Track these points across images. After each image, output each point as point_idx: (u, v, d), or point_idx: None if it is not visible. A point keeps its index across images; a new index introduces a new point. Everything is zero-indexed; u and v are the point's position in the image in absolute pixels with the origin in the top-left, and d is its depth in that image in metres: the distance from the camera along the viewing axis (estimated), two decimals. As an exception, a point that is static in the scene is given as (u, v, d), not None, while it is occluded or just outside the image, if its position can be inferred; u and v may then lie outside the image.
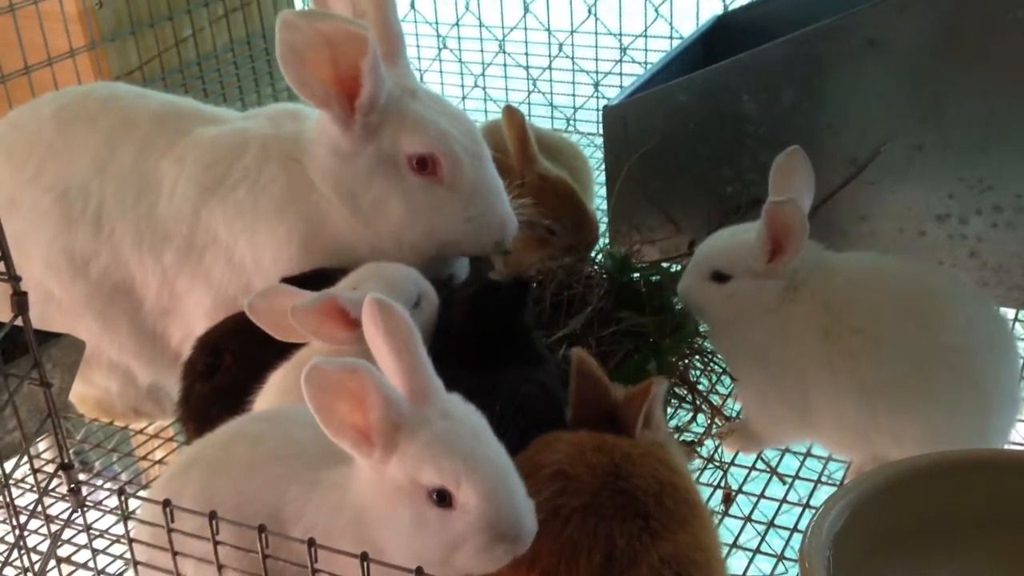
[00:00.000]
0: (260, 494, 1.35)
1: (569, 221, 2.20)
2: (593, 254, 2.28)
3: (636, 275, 2.10)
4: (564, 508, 1.26)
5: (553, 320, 1.95)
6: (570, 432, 1.40)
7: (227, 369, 1.73)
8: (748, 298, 1.78)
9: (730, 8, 2.83)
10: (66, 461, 1.42)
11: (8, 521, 1.56)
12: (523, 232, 2.03)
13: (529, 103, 3.35)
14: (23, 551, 1.56)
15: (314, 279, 1.73)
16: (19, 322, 1.39)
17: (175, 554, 1.37)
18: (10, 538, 1.59)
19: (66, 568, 1.68)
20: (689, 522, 1.30)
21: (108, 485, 1.97)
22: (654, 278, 2.08)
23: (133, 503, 1.46)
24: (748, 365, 1.83)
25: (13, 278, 1.31)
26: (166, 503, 1.32)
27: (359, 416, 1.20)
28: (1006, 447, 1.76)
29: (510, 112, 2.27)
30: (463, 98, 3.48)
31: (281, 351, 1.66)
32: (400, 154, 1.81)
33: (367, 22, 1.84)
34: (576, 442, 1.35)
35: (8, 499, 1.54)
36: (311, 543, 1.22)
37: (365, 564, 1.18)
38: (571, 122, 3.33)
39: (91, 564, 1.61)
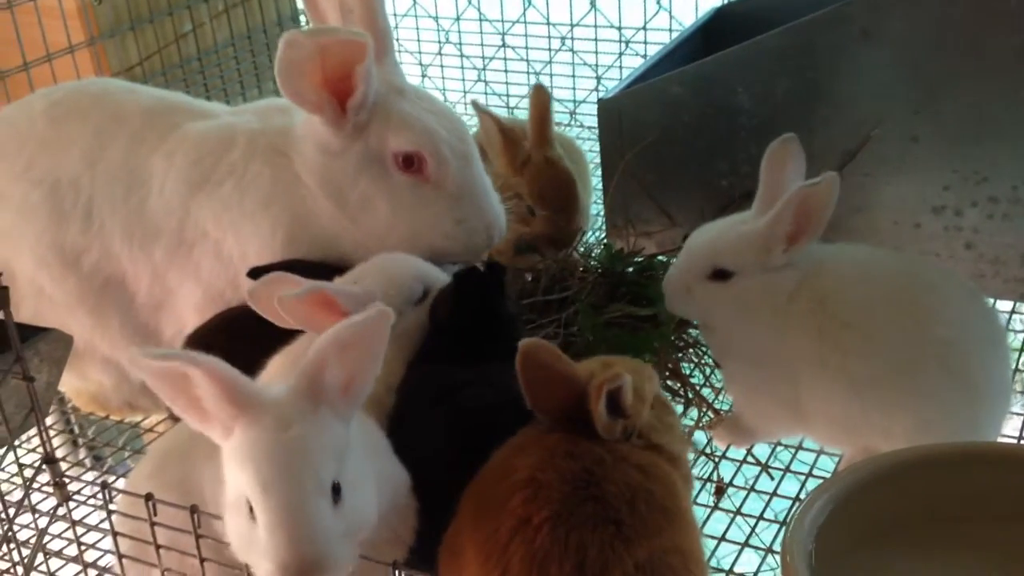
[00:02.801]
0: (196, 472, 1.40)
1: (556, 209, 2.19)
2: (588, 248, 2.29)
3: (630, 269, 2.10)
4: (535, 517, 1.24)
5: (545, 312, 1.96)
6: (544, 434, 1.37)
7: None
8: (754, 296, 1.70)
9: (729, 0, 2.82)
10: (50, 455, 1.43)
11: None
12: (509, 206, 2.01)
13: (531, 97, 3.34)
14: (12, 545, 1.57)
15: (287, 268, 1.73)
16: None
17: (158, 547, 1.39)
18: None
19: (57, 561, 1.70)
20: (664, 527, 1.28)
21: (92, 477, 1.97)
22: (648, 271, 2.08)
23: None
24: (741, 363, 1.79)
25: (-7, 272, 1.32)
26: (148, 496, 1.34)
27: (182, 395, 1.25)
28: (997, 440, 1.74)
29: (538, 90, 2.27)
30: (465, 92, 3.48)
31: (270, 347, 1.66)
32: (387, 152, 1.81)
33: (355, 20, 1.84)
34: (548, 447, 1.32)
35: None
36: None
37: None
38: (573, 116, 3.32)
39: (79, 557, 1.61)
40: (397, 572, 1.26)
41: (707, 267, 1.73)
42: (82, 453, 2.41)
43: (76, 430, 2.44)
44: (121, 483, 1.82)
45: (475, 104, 2.32)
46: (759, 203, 1.75)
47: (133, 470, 1.58)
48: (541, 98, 2.25)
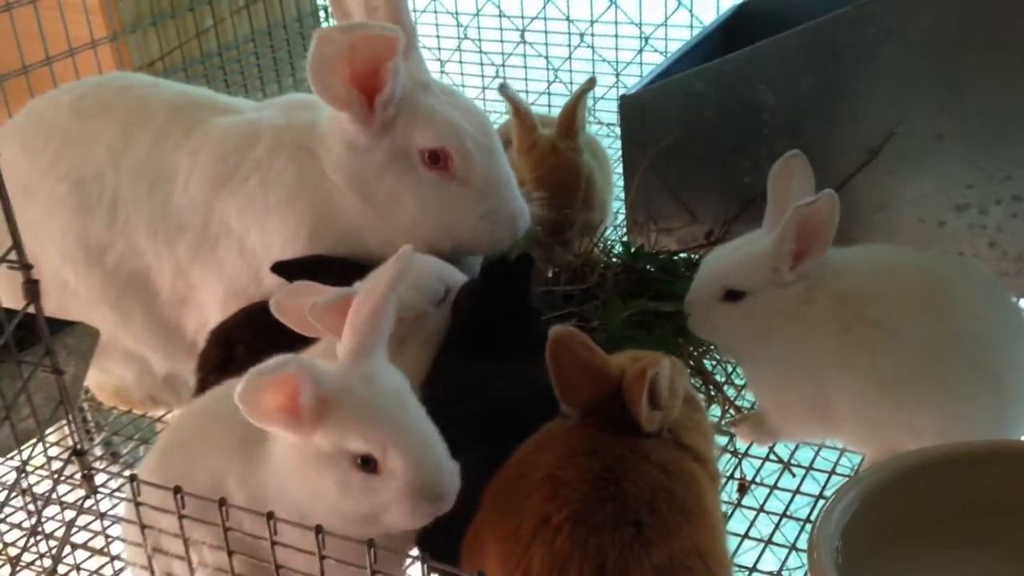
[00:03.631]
0: (206, 466, 1.42)
1: (551, 194, 2.17)
2: (609, 244, 2.29)
3: (649, 267, 2.10)
4: (554, 516, 1.24)
5: (564, 307, 1.96)
6: (567, 430, 1.36)
7: (240, 361, 1.73)
8: (767, 311, 1.72)
9: (750, -4, 2.82)
10: (78, 447, 1.43)
11: (25, 508, 1.59)
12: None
13: (549, 93, 3.35)
14: (40, 537, 1.58)
15: (310, 264, 1.74)
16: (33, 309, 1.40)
17: (186, 540, 1.39)
18: (27, 524, 1.61)
19: (83, 553, 1.70)
20: (684, 528, 1.27)
21: (117, 470, 1.98)
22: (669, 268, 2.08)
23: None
24: (768, 373, 1.78)
25: (24, 266, 1.33)
26: (177, 489, 1.34)
27: (287, 400, 1.26)
28: (1022, 439, 1.74)
29: (589, 81, 2.29)
30: (483, 88, 3.48)
31: (294, 342, 1.66)
32: (413, 148, 1.81)
33: (380, 17, 1.84)
34: (569, 443, 1.32)
35: (26, 485, 1.55)
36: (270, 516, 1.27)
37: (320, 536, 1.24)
38: (592, 112, 3.31)
39: (105, 550, 1.62)
40: (424, 564, 1.26)
41: (719, 289, 1.75)
42: (99, 451, 2.42)
43: (93, 427, 2.45)
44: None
45: (502, 88, 2.31)
46: (768, 221, 1.75)
47: (139, 467, 1.58)
48: (583, 89, 2.26)
